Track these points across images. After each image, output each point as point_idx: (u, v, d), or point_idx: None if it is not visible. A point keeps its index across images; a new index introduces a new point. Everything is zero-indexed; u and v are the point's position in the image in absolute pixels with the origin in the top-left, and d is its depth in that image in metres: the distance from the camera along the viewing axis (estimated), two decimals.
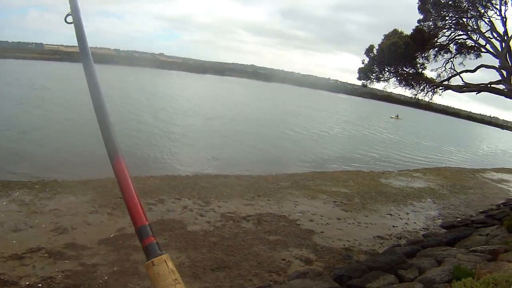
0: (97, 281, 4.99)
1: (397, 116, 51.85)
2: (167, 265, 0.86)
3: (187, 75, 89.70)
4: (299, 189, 9.66)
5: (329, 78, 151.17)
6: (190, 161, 12.41)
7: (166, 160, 12.44)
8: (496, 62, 9.94)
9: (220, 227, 6.85)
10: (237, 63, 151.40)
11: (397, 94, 62.35)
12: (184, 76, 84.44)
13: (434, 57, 11.07)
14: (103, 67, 77.49)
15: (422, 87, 11.33)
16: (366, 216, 8.27)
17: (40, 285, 4.88)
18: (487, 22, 9.94)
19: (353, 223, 7.68)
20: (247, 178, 10.27)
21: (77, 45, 1.21)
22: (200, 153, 13.69)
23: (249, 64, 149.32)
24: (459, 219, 9.35)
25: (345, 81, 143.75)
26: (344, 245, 6.60)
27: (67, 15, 1.25)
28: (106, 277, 5.09)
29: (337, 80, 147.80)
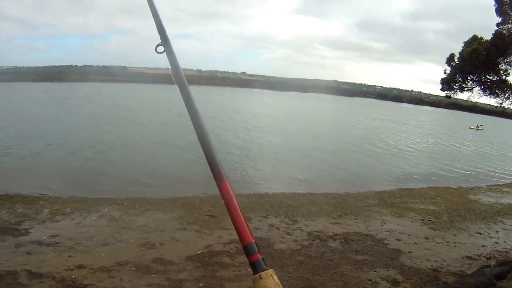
0: None
1: (478, 126, 53.06)
2: (273, 278, 1.08)
3: (269, 93, 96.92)
4: (386, 207, 10.28)
5: (412, 90, 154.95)
6: (276, 179, 13.67)
7: (252, 178, 13.70)
8: None
9: (307, 246, 7.33)
10: (319, 79, 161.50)
11: (482, 103, 63.91)
12: (267, 94, 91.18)
13: None
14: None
15: (507, 95, 10.63)
16: (455, 235, 8.57)
17: None
18: None
19: (441, 242, 7.97)
20: (334, 196, 11.12)
21: (171, 73, 1.57)
22: (287, 171, 15.01)
23: (331, 79, 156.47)
24: None
25: (428, 92, 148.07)
26: (432, 265, 6.78)
27: (158, 45, 1.58)
28: None
29: (420, 92, 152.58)
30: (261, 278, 1.10)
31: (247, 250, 1.21)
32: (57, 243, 7.07)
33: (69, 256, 6.59)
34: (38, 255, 6.57)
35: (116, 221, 8.36)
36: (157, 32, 1.58)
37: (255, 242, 1.20)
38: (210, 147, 1.29)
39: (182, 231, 7.97)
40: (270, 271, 1.13)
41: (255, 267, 1.15)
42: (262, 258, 1.17)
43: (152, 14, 1.66)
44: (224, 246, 7.27)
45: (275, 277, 1.10)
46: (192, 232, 7.89)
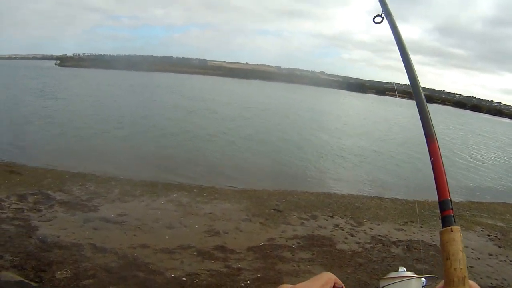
0: (239, 284, 5.45)
1: None
2: (460, 235, 1.13)
3: (348, 94, 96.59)
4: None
5: (491, 101, 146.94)
6: (346, 180, 13.72)
7: (323, 177, 13.84)
8: None
9: (369, 249, 7.32)
10: (397, 83, 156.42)
11: None
12: (345, 95, 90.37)
13: None
14: (266, 83, 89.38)
15: None
16: None
17: (184, 279, 5.49)
18: None
19: (505, 260, 7.72)
20: (403, 202, 11.01)
21: (396, 45, 1.59)
22: (357, 173, 15.06)
23: (410, 84, 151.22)
24: None
25: (508, 104, 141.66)
26: (491, 283, 6.59)
27: (376, 16, 1.65)
28: (248, 282, 5.53)
29: (500, 103, 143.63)
30: (452, 231, 1.15)
31: (442, 205, 1.25)
32: (124, 222, 7.33)
33: (134, 235, 6.80)
34: (104, 231, 6.83)
35: (184, 206, 8.55)
36: (378, 2, 1.67)
37: (450, 200, 1.22)
38: (426, 114, 1.37)
39: (247, 222, 7.99)
40: (459, 228, 1.16)
41: (446, 222, 1.20)
42: (453, 215, 1.21)
43: None
44: (286, 241, 7.18)
45: (461, 236, 1.14)
46: (257, 224, 7.91)
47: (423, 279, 1.02)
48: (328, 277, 0.75)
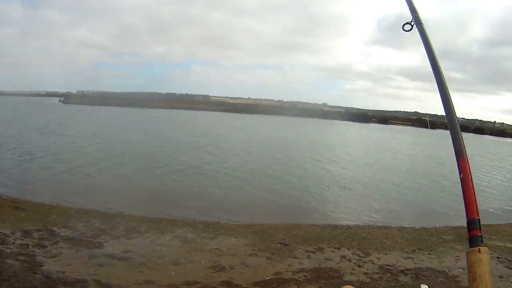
0: None
1: None
2: (488, 256, 1.16)
3: (351, 125, 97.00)
4: (462, 243, 9.85)
5: (494, 122, 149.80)
6: (351, 211, 13.71)
7: (328, 209, 13.88)
8: None
9: (377, 280, 7.29)
10: (399, 111, 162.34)
11: None
12: (349, 126, 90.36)
13: None
14: (269, 117, 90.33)
15: None
16: None
17: None
18: None
19: None
20: (410, 230, 11.06)
21: (426, 54, 1.63)
22: (362, 203, 15.05)
23: (412, 111, 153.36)
24: None
25: (511, 124, 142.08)
26: None
27: (405, 23, 1.70)
28: None
29: (503, 123, 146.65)
30: (479, 252, 1.16)
31: (470, 224, 1.30)
32: (129, 258, 7.32)
33: (139, 272, 6.77)
34: (110, 267, 6.82)
35: (189, 242, 8.54)
36: (408, 11, 1.72)
37: (478, 220, 1.28)
38: (456, 129, 1.41)
39: (253, 257, 7.95)
40: (487, 249, 1.20)
41: (474, 242, 1.23)
42: (481, 235, 1.25)
43: None
44: (293, 274, 7.13)
45: (489, 256, 1.18)
46: (263, 259, 7.87)
47: None
48: None
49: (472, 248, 1.20)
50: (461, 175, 1.36)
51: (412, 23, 1.68)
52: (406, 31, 1.56)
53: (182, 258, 7.57)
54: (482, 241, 1.24)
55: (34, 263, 6.51)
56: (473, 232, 1.27)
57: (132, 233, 8.82)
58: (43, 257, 6.87)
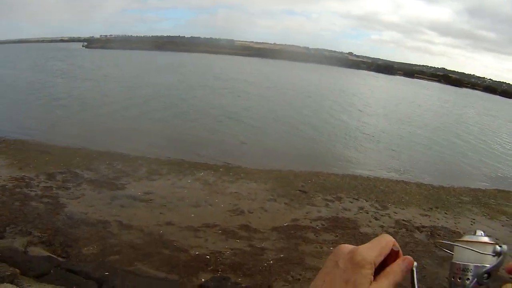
0: (262, 264, 5.49)
1: None
2: None
3: (376, 76, 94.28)
4: (479, 206, 9.92)
5: None
6: (372, 163, 13.63)
7: (349, 159, 13.75)
8: None
9: (392, 234, 6.91)
10: (427, 65, 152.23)
11: None
12: (374, 77, 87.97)
13: None
14: (294, 64, 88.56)
15: None
16: None
17: (208, 256, 5.56)
18: None
19: None
20: (428, 188, 10.92)
21: None
22: (384, 157, 14.79)
23: (439, 67, 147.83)
24: None
25: None
26: None
27: None
28: (271, 262, 5.56)
29: None
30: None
31: None
32: (150, 200, 7.48)
33: (160, 213, 6.94)
34: (131, 208, 6.99)
35: (210, 185, 8.63)
36: None
37: None
38: None
39: (272, 202, 8.00)
40: None
41: None
42: None
43: None
44: (310, 222, 7.17)
45: None
46: (282, 205, 7.92)
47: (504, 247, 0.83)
48: (388, 239, 0.70)
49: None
50: None
51: None
52: None
53: (202, 201, 7.71)
54: None
55: (57, 205, 6.71)
56: None
57: (153, 175, 8.96)
58: (67, 198, 7.07)
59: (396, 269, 0.66)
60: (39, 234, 5.47)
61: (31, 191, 7.23)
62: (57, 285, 3.94)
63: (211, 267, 5.22)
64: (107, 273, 4.43)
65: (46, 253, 4.76)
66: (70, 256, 5.03)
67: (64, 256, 4.96)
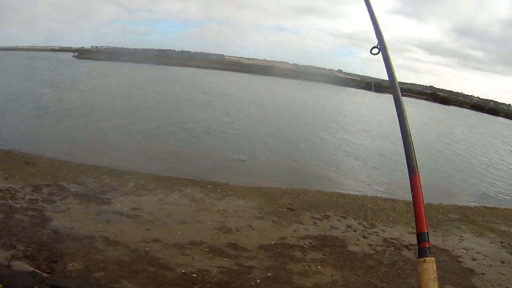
0: (249, 283, 5.46)
1: None
2: (433, 265, 1.28)
3: (365, 93, 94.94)
4: (467, 223, 10.06)
5: (509, 105, 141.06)
6: (360, 180, 13.60)
7: (337, 177, 13.81)
8: None
9: (381, 252, 7.39)
10: (415, 84, 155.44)
11: None
12: (363, 94, 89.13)
13: None
14: (283, 80, 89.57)
15: None
16: None
17: (194, 275, 5.50)
18: None
19: None
20: None
21: (387, 76, 1.77)
22: (372, 175, 14.90)
23: (427, 85, 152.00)
24: None
25: None
26: None
27: (373, 47, 1.80)
28: (258, 281, 5.54)
29: None
30: (424, 262, 1.30)
31: (419, 237, 1.41)
32: (137, 216, 7.40)
33: (147, 229, 6.85)
34: (117, 224, 6.90)
35: (197, 202, 8.59)
36: (375, 36, 1.83)
37: (427, 232, 1.38)
38: (410, 145, 1.42)
39: (259, 220, 8.01)
40: (433, 259, 1.32)
41: (422, 253, 1.34)
42: (429, 247, 1.35)
43: (370, 17, 1.95)
44: (298, 240, 7.19)
45: (434, 265, 1.29)
46: (269, 222, 7.94)
47: None
48: None
49: (419, 259, 1.34)
50: (412, 193, 1.40)
51: (378, 47, 1.78)
52: (374, 54, 1.63)
53: (189, 218, 7.66)
54: (430, 252, 1.36)
55: (43, 218, 6.59)
56: (422, 244, 1.39)
57: (141, 190, 8.91)
58: (52, 212, 6.96)
59: None
60: (23, 248, 5.34)
61: (16, 203, 7.10)
62: None
63: (198, 286, 5.15)
64: None
65: (30, 268, 4.65)
66: (55, 271, 4.92)
67: (48, 272, 4.85)
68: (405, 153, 1.41)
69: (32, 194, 7.67)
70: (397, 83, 1.49)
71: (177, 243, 6.48)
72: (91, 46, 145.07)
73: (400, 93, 1.57)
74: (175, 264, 5.75)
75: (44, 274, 4.61)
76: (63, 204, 7.44)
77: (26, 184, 8.17)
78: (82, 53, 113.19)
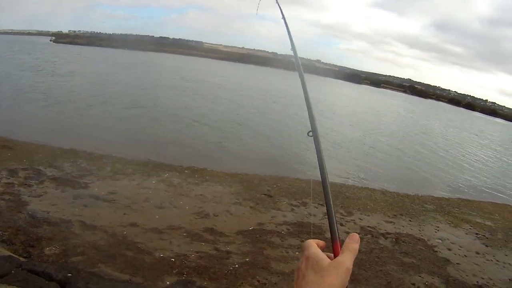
0: (227, 268, 5.51)
1: None
2: None
3: (343, 84, 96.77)
4: (443, 214, 10.29)
5: (486, 100, 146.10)
6: (338, 169, 13.59)
7: (315, 165, 13.68)
8: None
9: None
10: (393, 76, 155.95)
11: None
12: (341, 85, 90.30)
13: None
14: (262, 69, 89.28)
15: None
16: (506, 255, 8.41)
17: (173, 259, 5.55)
18: None
19: (491, 260, 7.89)
20: (393, 195, 11.16)
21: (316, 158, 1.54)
22: (350, 164, 15.00)
23: (405, 78, 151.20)
24: None
25: (503, 105, 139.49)
26: (477, 282, 6.76)
27: (309, 131, 1.61)
28: (236, 266, 5.61)
29: (494, 103, 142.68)
30: None
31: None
32: (114, 200, 7.36)
33: (124, 214, 6.85)
34: (94, 208, 6.85)
35: (175, 187, 8.57)
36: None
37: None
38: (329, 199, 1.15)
39: (237, 205, 8.05)
40: None
41: None
42: None
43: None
44: (276, 226, 7.26)
45: None
46: (247, 208, 7.98)
47: None
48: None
49: None
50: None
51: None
52: (311, 136, 1.45)
53: (167, 202, 7.66)
54: None
55: (19, 202, 6.50)
56: None
57: (118, 174, 8.83)
58: (29, 196, 6.86)
59: (350, 243, 0.88)
60: None
61: None
62: (18, 286, 3.82)
63: (176, 270, 5.20)
64: (69, 275, 4.33)
65: (7, 253, 4.60)
66: (32, 256, 4.89)
67: (25, 256, 4.82)
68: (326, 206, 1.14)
69: (8, 178, 7.53)
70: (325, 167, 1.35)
71: (155, 227, 6.49)
72: (69, 31, 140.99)
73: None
74: (153, 249, 5.77)
75: (21, 259, 4.57)
76: (40, 188, 7.33)
77: (2, 168, 8.01)
78: (59, 37, 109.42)
